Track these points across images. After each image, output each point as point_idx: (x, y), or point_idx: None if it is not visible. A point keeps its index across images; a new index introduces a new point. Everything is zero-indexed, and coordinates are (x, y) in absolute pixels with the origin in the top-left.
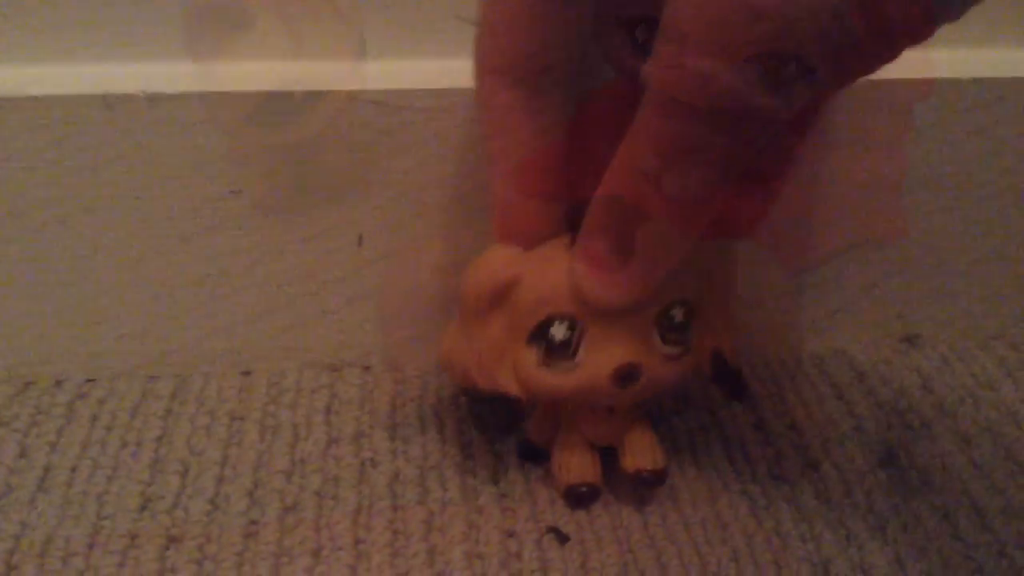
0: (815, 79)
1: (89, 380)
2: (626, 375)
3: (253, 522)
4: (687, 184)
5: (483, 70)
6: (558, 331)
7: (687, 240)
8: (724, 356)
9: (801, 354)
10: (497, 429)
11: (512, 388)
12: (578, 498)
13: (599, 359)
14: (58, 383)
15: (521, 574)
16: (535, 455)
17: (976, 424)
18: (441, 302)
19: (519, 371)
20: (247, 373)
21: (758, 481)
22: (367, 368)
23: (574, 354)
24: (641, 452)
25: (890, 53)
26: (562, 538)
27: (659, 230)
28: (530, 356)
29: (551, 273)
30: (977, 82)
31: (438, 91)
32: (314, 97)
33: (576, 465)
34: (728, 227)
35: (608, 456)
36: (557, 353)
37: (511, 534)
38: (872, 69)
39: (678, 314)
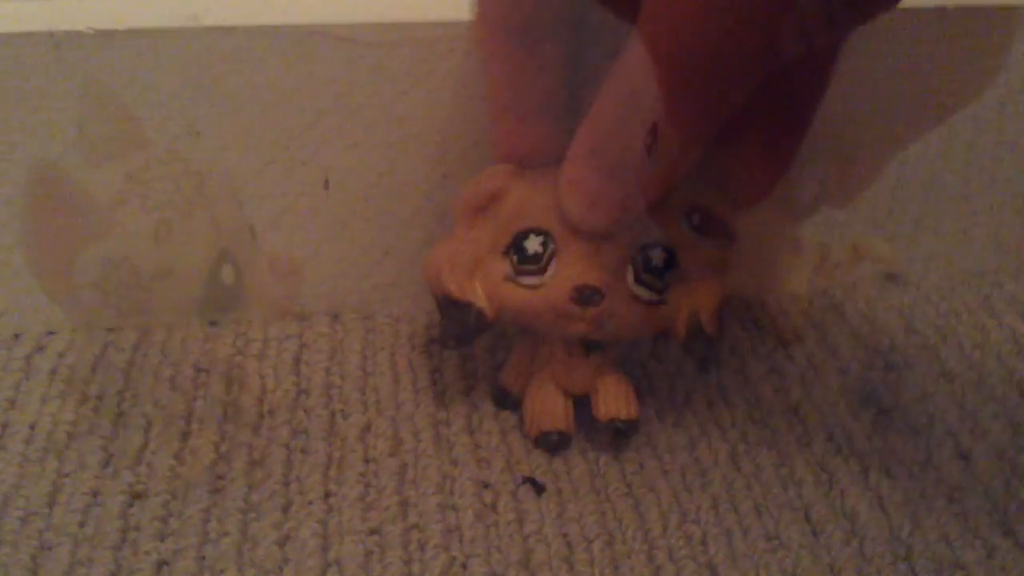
0: None
1: (49, 333)
2: (585, 295)
3: (219, 477)
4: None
5: (482, 20)
6: (532, 243)
7: (673, 174)
8: (700, 320)
9: (780, 294)
10: (457, 338)
11: (480, 300)
12: (549, 445)
13: (563, 277)
14: (16, 336)
15: (497, 526)
16: (510, 402)
17: (960, 364)
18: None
19: (488, 282)
20: (213, 323)
21: (738, 426)
22: (336, 316)
23: (543, 270)
24: (615, 400)
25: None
26: (538, 488)
27: (643, 159)
28: (502, 268)
29: (536, 189)
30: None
31: (403, 24)
32: (275, 33)
33: (548, 412)
34: (747, 192)
35: (583, 405)
36: (527, 266)
37: (486, 485)
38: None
39: (657, 257)
